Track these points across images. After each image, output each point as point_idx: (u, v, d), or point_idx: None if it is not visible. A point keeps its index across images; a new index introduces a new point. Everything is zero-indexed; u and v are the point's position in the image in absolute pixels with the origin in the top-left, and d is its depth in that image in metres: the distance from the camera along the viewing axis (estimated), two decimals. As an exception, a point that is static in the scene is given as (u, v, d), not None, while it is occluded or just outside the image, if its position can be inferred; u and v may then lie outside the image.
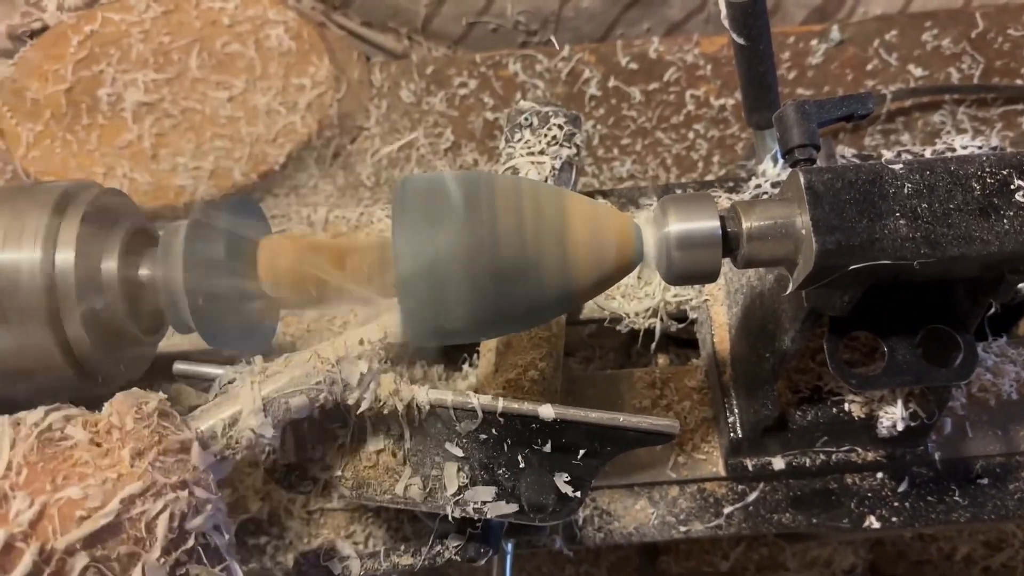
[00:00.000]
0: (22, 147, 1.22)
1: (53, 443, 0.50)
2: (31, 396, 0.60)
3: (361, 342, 0.62)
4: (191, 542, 0.50)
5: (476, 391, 0.63)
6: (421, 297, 0.55)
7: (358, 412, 0.61)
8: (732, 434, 0.77)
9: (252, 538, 0.81)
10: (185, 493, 0.50)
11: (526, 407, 0.60)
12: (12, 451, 0.49)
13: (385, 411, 0.62)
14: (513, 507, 0.62)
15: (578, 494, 0.62)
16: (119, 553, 0.47)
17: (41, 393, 0.60)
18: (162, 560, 0.48)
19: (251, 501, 0.82)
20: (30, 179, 1.21)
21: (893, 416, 0.72)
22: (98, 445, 0.50)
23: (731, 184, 0.93)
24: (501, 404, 0.60)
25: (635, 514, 0.80)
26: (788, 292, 0.59)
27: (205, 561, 0.50)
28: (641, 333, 0.88)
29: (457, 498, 0.62)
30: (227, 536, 0.53)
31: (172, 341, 0.85)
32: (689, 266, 0.57)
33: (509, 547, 0.75)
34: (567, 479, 0.62)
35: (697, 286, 0.86)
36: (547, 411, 0.60)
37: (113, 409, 0.52)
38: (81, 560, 0.46)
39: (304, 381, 0.58)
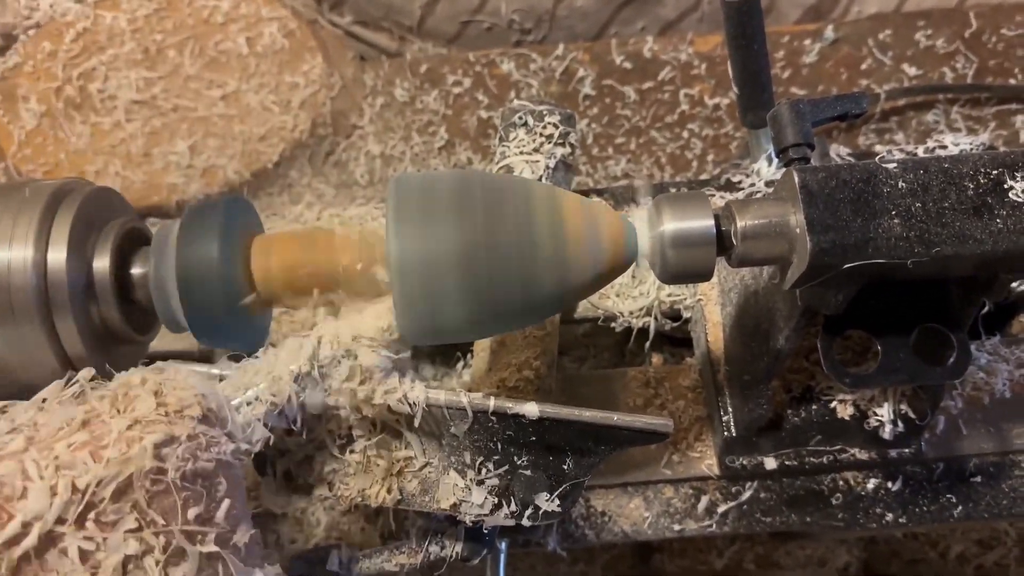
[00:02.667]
0: (14, 145, 1.21)
1: (77, 406, 0.52)
2: (22, 395, 0.60)
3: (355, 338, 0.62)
4: (204, 499, 0.50)
5: (470, 390, 0.63)
6: (415, 295, 0.55)
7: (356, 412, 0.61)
8: (726, 433, 0.77)
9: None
10: (204, 446, 0.51)
11: (516, 406, 0.60)
12: (38, 414, 0.51)
13: (380, 411, 0.61)
14: (510, 521, 0.61)
15: (572, 493, 0.62)
16: (143, 496, 0.48)
17: (33, 392, 0.60)
18: (183, 508, 0.49)
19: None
20: (22, 177, 1.20)
21: (883, 417, 0.72)
22: (119, 411, 0.52)
23: (726, 179, 0.93)
24: (492, 403, 0.60)
25: (629, 513, 0.80)
26: (782, 291, 0.59)
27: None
28: (635, 332, 0.88)
29: (452, 502, 0.62)
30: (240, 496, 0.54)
31: (165, 340, 0.85)
32: (683, 265, 0.57)
33: (503, 546, 0.75)
34: (560, 482, 0.62)
35: (691, 285, 0.86)
36: (532, 409, 0.60)
37: (136, 378, 0.54)
38: (103, 499, 0.47)
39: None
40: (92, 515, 0.47)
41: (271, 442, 0.58)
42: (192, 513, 0.50)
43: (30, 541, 0.46)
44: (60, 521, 0.47)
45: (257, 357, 0.62)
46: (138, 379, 0.53)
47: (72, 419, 0.51)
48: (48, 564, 0.47)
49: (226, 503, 0.52)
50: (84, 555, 0.47)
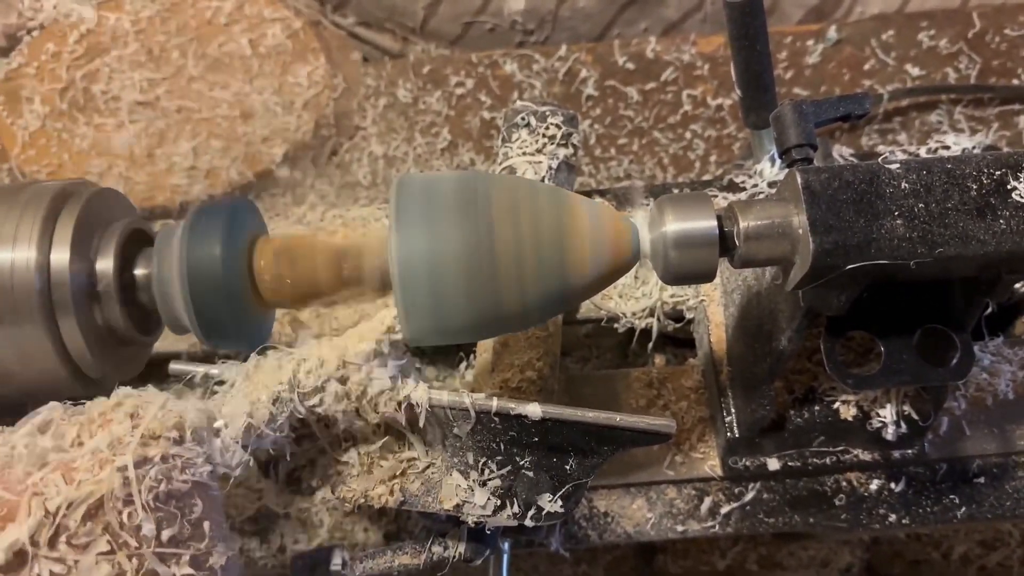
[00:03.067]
0: (18, 146, 1.22)
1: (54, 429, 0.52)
2: (26, 397, 0.60)
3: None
4: (179, 520, 0.50)
5: (472, 391, 0.63)
6: (419, 296, 0.55)
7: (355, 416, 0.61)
8: (729, 434, 0.77)
9: (247, 539, 0.81)
10: (179, 467, 0.51)
11: (519, 407, 0.60)
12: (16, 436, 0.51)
13: (383, 413, 0.61)
14: (512, 522, 0.61)
15: (575, 494, 0.62)
16: (115, 518, 0.48)
17: (36, 393, 0.60)
18: (156, 530, 0.49)
19: (246, 501, 0.82)
20: (25, 178, 1.20)
21: (886, 418, 0.72)
22: (92, 433, 0.52)
23: (728, 180, 0.93)
24: (495, 404, 0.60)
25: (632, 514, 0.80)
26: (785, 292, 0.59)
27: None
28: (637, 333, 0.88)
29: (455, 503, 0.62)
30: (219, 522, 0.53)
31: (168, 341, 0.85)
32: (686, 266, 0.57)
33: (506, 547, 0.75)
34: (563, 482, 0.62)
35: (694, 285, 0.86)
36: (535, 410, 0.60)
37: (112, 401, 0.54)
38: (75, 521, 0.47)
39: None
40: (64, 537, 0.47)
41: (251, 464, 0.58)
42: (166, 535, 0.49)
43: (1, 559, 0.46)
44: (32, 543, 0.46)
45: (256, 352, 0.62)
46: (114, 402, 0.53)
47: (49, 442, 0.50)
48: None
49: (204, 525, 0.51)
50: None
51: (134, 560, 0.48)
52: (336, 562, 0.69)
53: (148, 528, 0.48)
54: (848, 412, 0.74)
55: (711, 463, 0.80)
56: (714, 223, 0.56)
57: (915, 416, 0.72)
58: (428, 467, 0.63)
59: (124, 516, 0.48)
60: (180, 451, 0.51)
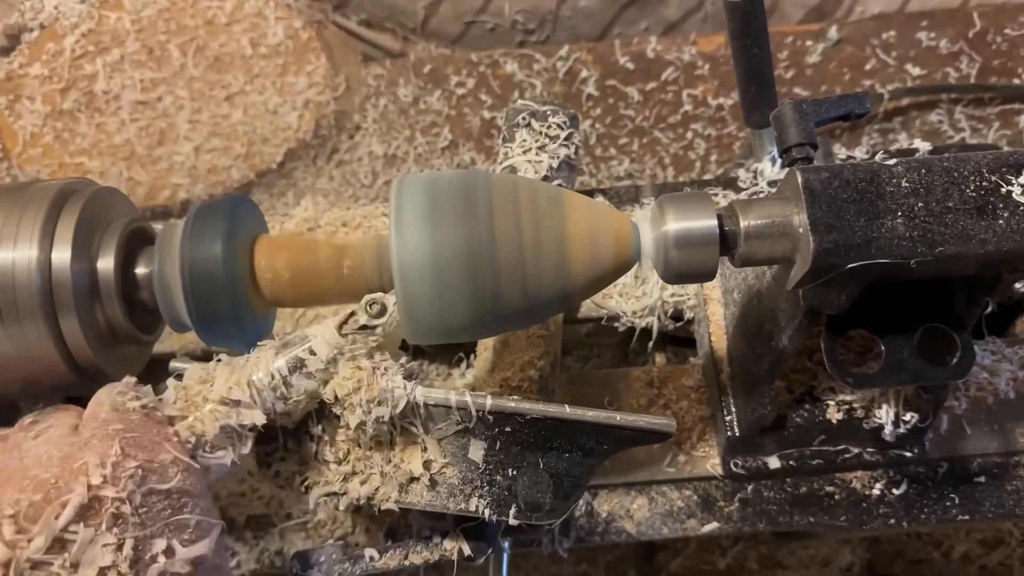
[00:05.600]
0: (19, 145, 1.22)
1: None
2: (28, 395, 0.60)
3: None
4: (162, 522, 0.52)
5: (473, 390, 0.63)
6: (420, 295, 0.55)
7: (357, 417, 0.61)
8: (729, 433, 0.77)
9: (248, 539, 0.81)
10: (157, 470, 0.53)
11: (519, 406, 0.60)
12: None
13: (382, 411, 0.61)
14: (513, 521, 0.61)
15: (575, 492, 0.62)
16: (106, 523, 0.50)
17: (38, 392, 0.60)
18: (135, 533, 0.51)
19: (249, 501, 0.82)
20: (26, 177, 1.20)
21: (886, 417, 0.72)
22: (76, 429, 0.54)
23: (729, 179, 0.93)
24: (495, 403, 0.60)
25: (632, 513, 0.80)
26: (785, 291, 0.59)
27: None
28: (638, 332, 0.88)
29: (457, 502, 0.62)
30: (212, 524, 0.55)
31: (170, 340, 0.85)
32: (686, 265, 0.57)
33: (506, 546, 0.75)
34: (563, 481, 0.62)
35: (694, 285, 0.86)
36: (535, 409, 0.60)
37: (95, 401, 0.56)
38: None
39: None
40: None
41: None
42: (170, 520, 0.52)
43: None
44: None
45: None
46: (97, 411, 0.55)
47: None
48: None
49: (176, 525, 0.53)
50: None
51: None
52: (335, 561, 0.69)
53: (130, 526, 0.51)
54: (848, 412, 0.74)
55: (712, 462, 0.80)
56: (714, 222, 0.56)
57: (915, 415, 0.72)
58: (430, 467, 0.63)
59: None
60: (163, 450, 0.54)
